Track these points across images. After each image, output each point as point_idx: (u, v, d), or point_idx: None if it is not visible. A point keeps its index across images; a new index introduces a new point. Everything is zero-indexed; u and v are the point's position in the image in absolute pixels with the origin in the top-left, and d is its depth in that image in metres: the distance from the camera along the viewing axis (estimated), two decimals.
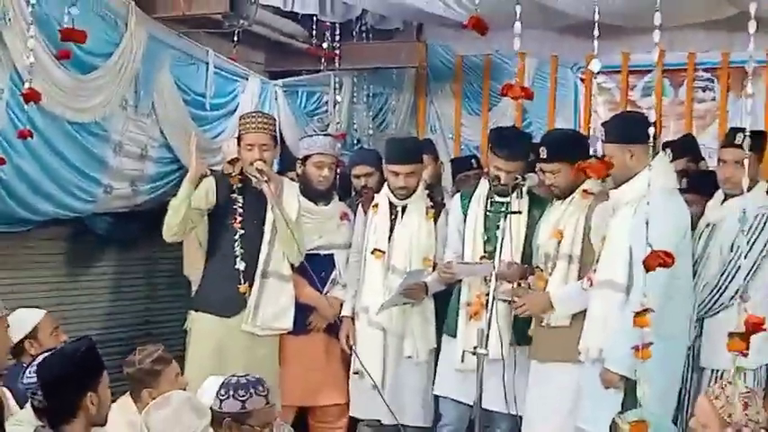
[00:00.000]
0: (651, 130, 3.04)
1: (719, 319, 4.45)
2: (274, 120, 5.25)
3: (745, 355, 2.14)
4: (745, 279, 4.39)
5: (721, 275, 4.53)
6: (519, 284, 4.81)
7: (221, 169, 5.21)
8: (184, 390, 3.79)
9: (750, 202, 4.42)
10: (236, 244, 4.98)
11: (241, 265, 4.98)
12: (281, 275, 5.07)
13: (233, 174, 5.07)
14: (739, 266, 4.38)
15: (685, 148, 5.55)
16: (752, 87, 2.27)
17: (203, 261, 5.10)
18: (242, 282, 4.97)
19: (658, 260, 2.22)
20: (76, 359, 3.09)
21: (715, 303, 4.52)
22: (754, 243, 4.45)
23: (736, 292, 4.41)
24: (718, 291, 4.52)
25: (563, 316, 4.62)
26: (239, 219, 5.01)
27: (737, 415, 3.55)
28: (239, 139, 5.08)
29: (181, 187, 4.94)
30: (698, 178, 5.15)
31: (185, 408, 2.97)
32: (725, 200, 4.71)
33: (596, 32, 2.97)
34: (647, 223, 2.45)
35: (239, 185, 5.06)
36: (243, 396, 3.49)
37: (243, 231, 4.99)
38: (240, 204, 5.03)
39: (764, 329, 2.16)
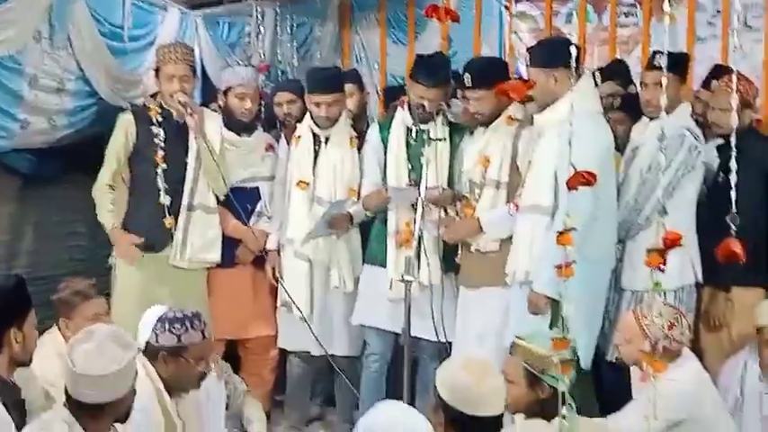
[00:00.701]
0: (574, 53, 3.03)
1: (639, 241, 4.51)
2: (193, 50, 5.17)
3: (663, 270, 2.16)
4: (661, 197, 4.45)
5: (639, 195, 4.58)
6: (446, 212, 4.83)
7: (142, 103, 5.10)
8: None
9: (670, 123, 4.47)
10: (160, 178, 4.90)
11: (166, 200, 4.91)
12: (206, 207, 5.02)
13: (152, 107, 4.97)
14: (655, 186, 4.42)
15: (613, 71, 5.58)
16: (668, 6, 2.25)
17: (127, 196, 5.01)
18: (167, 215, 4.91)
19: (580, 179, 2.23)
20: (1, 295, 3.04)
21: (633, 224, 4.57)
22: (671, 162, 4.50)
23: (653, 212, 4.47)
24: (635, 211, 4.57)
25: (492, 239, 4.66)
26: (161, 153, 4.92)
27: (658, 332, 3.64)
28: (157, 70, 4.97)
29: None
30: (628, 100, 5.20)
31: (108, 341, 2.94)
32: None
33: None
34: (569, 145, 2.45)
35: (159, 119, 4.96)
36: (179, 330, 3.49)
37: (165, 165, 4.92)
38: (162, 138, 4.94)
39: (681, 245, 2.19)
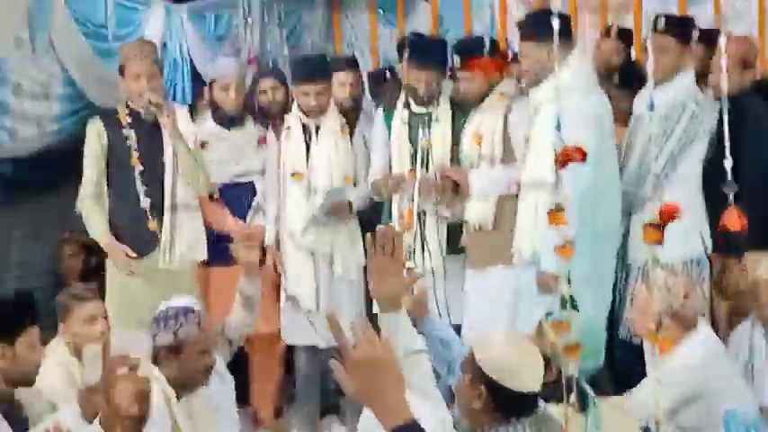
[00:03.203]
0: (558, 24, 2.92)
1: (645, 213, 4.40)
2: (155, 45, 5.07)
3: (661, 244, 2.07)
4: (662, 170, 4.35)
5: (641, 167, 4.48)
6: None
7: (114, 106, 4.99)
8: (103, 332, 3.72)
9: (671, 91, 4.37)
10: (138, 181, 4.81)
11: (146, 202, 4.82)
12: (189, 206, 4.93)
13: (119, 109, 4.87)
14: (656, 156, 4.33)
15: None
16: None
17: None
18: (150, 218, 4.82)
19: (569, 155, 2.14)
20: None
21: (636, 197, 4.46)
22: (672, 131, 4.40)
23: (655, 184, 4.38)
24: (639, 184, 4.46)
25: (478, 193, 4.60)
26: (136, 155, 4.82)
27: (675, 301, 3.56)
28: (121, 69, 4.84)
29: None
30: (625, 72, 5.09)
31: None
32: None
33: None
34: (558, 120, 2.36)
35: (129, 120, 4.85)
36: (173, 326, 3.43)
37: (142, 168, 4.82)
38: (134, 140, 4.83)
39: (678, 217, 2.10)
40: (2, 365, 3.00)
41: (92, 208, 4.81)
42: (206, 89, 5.22)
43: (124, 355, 2.82)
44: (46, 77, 4.98)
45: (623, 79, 5.05)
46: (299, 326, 5.10)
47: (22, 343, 3.05)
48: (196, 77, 5.75)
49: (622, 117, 4.67)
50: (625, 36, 5.55)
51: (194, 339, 3.44)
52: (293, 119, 5.06)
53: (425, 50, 4.80)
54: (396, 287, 2.56)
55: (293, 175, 5.00)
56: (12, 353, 3.01)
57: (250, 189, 5.20)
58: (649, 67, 4.53)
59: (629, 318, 4.06)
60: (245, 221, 5.10)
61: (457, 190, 4.75)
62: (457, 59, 4.65)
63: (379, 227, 2.59)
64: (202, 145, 5.05)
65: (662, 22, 4.47)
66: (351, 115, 5.21)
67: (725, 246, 4.44)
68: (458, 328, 4.67)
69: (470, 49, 4.69)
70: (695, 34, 4.65)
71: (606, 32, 5.49)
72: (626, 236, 4.51)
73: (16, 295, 3.18)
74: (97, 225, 4.82)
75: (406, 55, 4.84)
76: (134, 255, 4.78)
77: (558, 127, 2.49)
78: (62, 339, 3.89)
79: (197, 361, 3.45)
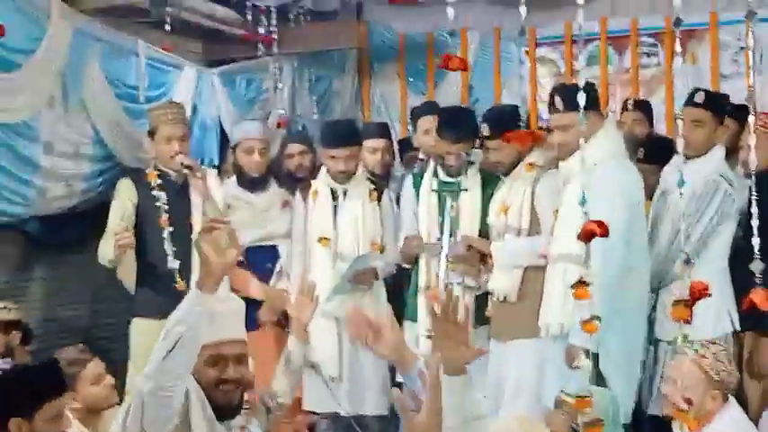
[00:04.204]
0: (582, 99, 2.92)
1: (673, 290, 4.34)
2: (184, 108, 5.11)
3: (689, 323, 2.03)
4: (693, 250, 4.30)
5: (671, 244, 4.43)
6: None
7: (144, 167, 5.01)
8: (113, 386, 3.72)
9: (704, 166, 4.34)
10: (167, 242, 4.81)
11: (175, 264, 4.80)
12: None
13: (149, 171, 4.89)
14: (688, 235, 4.28)
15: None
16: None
17: (135, 263, 4.92)
18: (178, 280, 4.80)
19: (593, 231, 2.11)
20: (11, 380, 2.91)
21: (667, 274, 4.41)
22: (705, 211, 4.36)
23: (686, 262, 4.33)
24: (669, 260, 4.42)
25: (500, 265, 4.57)
26: (165, 216, 4.83)
27: (725, 370, 3.49)
28: (152, 132, 4.89)
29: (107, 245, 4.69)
30: (652, 146, 5.07)
31: None
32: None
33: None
34: (583, 194, 2.33)
35: (158, 181, 4.87)
36: None
37: (171, 228, 4.82)
38: (164, 201, 4.84)
39: (709, 295, 2.06)
40: None
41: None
42: (230, 152, 5.26)
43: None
44: (77, 137, 4.98)
45: (648, 153, 5.03)
46: (321, 392, 5.04)
47: (41, 416, 2.93)
48: (225, 140, 5.78)
49: (647, 191, 4.64)
50: (645, 108, 5.55)
51: None
52: (321, 183, 5.07)
53: (456, 122, 4.82)
54: (463, 355, 2.44)
55: (320, 240, 5.00)
56: (28, 427, 2.90)
57: (273, 253, 5.18)
58: (681, 141, 4.52)
59: (667, 393, 3.98)
60: (267, 285, 5.08)
61: (484, 260, 4.73)
62: (486, 129, 4.67)
63: (440, 291, 2.55)
64: (227, 207, 5.05)
65: (700, 96, 4.47)
66: (379, 181, 5.21)
67: (755, 325, 4.37)
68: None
69: (500, 119, 4.69)
70: (728, 110, 4.64)
71: (624, 106, 5.51)
72: (653, 311, 4.46)
73: (41, 365, 3.08)
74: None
75: (436, 127, 4.88)
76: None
77: (583, 201, 2.47)
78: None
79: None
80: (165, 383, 2.54)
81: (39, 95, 4.68)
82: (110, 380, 3.79)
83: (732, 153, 4.72)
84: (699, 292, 2.00)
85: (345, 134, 5.04)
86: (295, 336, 3.81)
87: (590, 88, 4.28)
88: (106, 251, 4.67)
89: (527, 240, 4.58)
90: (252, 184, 5.15)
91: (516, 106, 4.97)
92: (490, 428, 2.79)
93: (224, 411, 2.91)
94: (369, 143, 5.35)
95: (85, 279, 5.51)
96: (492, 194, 4.81)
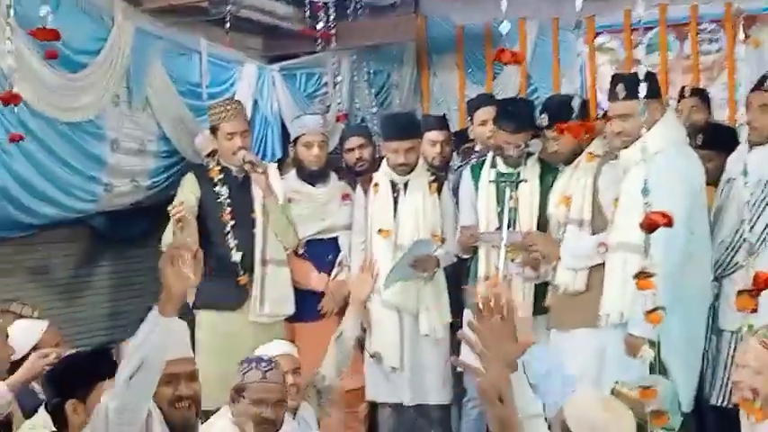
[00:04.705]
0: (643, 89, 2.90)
1: (736, 279, 4.30)
2: (242, 104, 5.17)
3: (755, 311, 2.02)
4: (758, 239, 4.24)
5: (736, 233, 4.35)
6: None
7: (204, 163, 5.08)
8: None
9: None
10: (229, 236, 4.88)
11: (237, 257, 4.88)
12: (278, 261, 4.99)
13: (212, 166, 4.97)
14: (753, 224, 4.22)
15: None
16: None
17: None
18: (240, 273, 4.88)
19: (656, 221, 2.11)
20: (67, 364, 3.01)
21: (730, 262, 4.36)
22: None
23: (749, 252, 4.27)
24: (732, 249, 4.36)
25: (568, 265, 4.55)
26: (228, 210, 4.91)
27: None
28: (214, 129, 4.97)
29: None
30: (712, 133, 5.01)
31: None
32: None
33: None
34: (645, 183, 2.33)
35: (220, 176, 4.95)
36: (245, 368, 3.51)
37: (233, 222, 4.89)
38: (226, 196, 4.92)
39: None
40: (75, 422, 2.99)
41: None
42: (290, 146, 5.30)
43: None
44: (142, 134, 5.07)
45: (706, 139, 4.97)
46: (383, 382, 5.08)
47: (94, 398, 3.00)
48: (286, 134, 5.84)
49: (706, 177, 4.59)
50: (702, 95, 5.49)
51: (253, 387, 3.47)
52: (381, 176, 5.10)
53: (514, 112, 4.81)
54: (513, 350, 2.46)
55: (380, 231, 5.03)
56: (83, 408, 3.00)
57: (333, 245, 5.22)
58: (745, 128, 4.46)
59: (733, 380, 3.94)
60: (328, 277, 5.13)
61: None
62: (545, 119, 4.64)
63: (485, 287, 2.56)
64: (288, 201, 5.12)
65: None
66: (439, 173, 5.23)
67: None
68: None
69: (559, 109, 4.65)
70: None
71: (682, 93, 5.43)
72: (716, 300, 4.42)
73: (93, 351, 3.19)
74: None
75: (495, 117, 4.88)
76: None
77: (645, 191, 2.46)
78: None
79: (251, 409, 3.45)
80: (129, 404, 2.61)
81: (104, 94, 4.77)
82: None
83: None
84: (764, 282, 1.99)
85: (406, 127, 5.06)
86: (352, 309, 3.88)
87: (650, 77, 4.26)
88: (167, 236, 4.75)
89: (594, 241, 4.53)
90: (312, 177, 5.20)
91: (574, 96, 4.94)
92: (575, 402, 2.80)
93: (180, 431, 3.01)
94: (429, 135, 5.36)
95: (150, 273, 5.61)
96: (551, 185, 4.79)
